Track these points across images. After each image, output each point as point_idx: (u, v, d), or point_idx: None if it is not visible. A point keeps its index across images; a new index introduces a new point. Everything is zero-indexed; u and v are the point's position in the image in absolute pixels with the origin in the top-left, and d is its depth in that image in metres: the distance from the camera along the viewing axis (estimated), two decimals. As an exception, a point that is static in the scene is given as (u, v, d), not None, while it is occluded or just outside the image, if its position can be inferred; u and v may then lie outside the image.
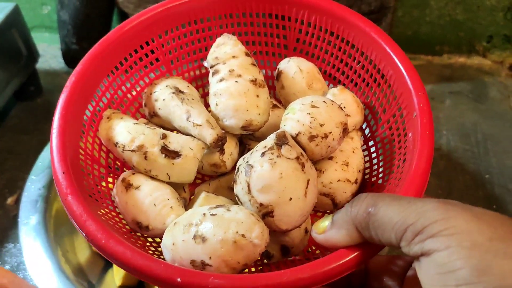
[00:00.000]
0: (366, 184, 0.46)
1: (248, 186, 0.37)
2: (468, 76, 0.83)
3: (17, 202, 0.65)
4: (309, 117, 0.41)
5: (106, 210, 0.40)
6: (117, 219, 0.41)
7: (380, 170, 0.45)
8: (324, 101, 0.42)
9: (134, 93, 0.49)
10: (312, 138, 0.40)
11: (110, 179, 0.45)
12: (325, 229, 0.34)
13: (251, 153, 0.38)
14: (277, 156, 0.37)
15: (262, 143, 0.39)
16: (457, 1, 0.79)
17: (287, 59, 0.50)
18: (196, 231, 0.35)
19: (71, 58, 0.85)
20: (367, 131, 0.49)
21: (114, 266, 0.56)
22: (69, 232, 0.58)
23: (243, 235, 0.34)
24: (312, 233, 0.35)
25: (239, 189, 0.38)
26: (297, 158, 0.38)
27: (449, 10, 0.80)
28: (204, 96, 0.54)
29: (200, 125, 0.41)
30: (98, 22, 0.82)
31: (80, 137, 0.42)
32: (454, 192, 0.67)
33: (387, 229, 0.30)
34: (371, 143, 0.48)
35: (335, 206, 0.45)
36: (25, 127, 0.78)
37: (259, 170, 0.37)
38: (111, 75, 0.47)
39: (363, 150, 0.47)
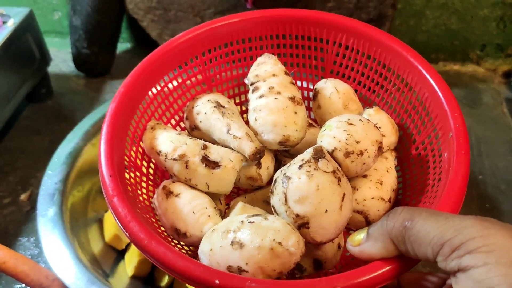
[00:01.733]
0: (400, 204, 0.46)
1: (285, 196, 0.38)
2: (462, 83, 0.88)
3: (30, 198, 0.70)
4: (346, 134, 0.42)
5: (146, 215, 0.42)
6: (155, 225, 0.43)
7: (414, 190, 0.46)
8: (360, 120, 0.44)
9: (176, 107, 0.52)
10: (348, 154, 0.42)
11: (150, 188, 0.47)
12: (360, 242, 0.35)
13: (289, 166, 0.40)
14: (314, 169, 0.38)
15: (299, 156, 0.40)
16: (452, 11, 0.84)
17: (324, 80, 0.52)
18: (234, 238, 0.36)
19: (81, 61, 0.90)
20: (401, 152, 0.50)
21: (126, 257, 0.60)
22: (84, 225, 0.61)
23: (279, 243, 0.35)
24: (348, 245, 0.36)
25: (275, 200, 0.40)
26: (334, 172, 0.39)
27: (444, 19, 0.85)
28: (243, 113, 0.56)
29: (239, 138, 0.43)
30: (109, 28, 0.87)
31: (125, 145, 0.45)
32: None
33: (423, 244, 0.31)
34: (405, 164, 0.49)
35: (367, 223, 0.46)
36: (37, 127, 0.82)
37: (297, 181, 0.38)
38: (156, 89, 0.49)
39: (397, 171, 0.48)
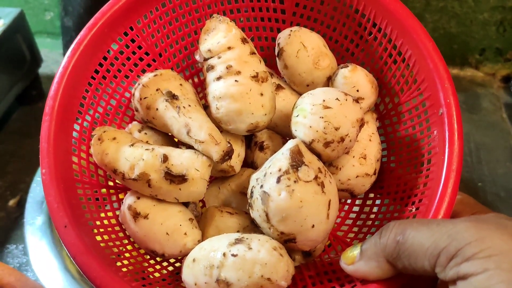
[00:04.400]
0: (384, 169, 0.43)
1: (267, 215, 0.34)
2: (461, 87, 0.84)
3: (19, 204, 0.64)
4: (323, 122, 0.36)
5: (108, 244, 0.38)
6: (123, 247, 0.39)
7: (400, 157, 0.42)
8: (337, 98, 0.37)
9: (122, 91, 0.44)
10: (327, 144, 0.37)
11: (113, 197, 0.42)
12: (354, 260, 0.33)
13: (265, 175, 0.35)
14: (295, 182, 0.33)
15: (276, 162, 0.35)
16: (451, 15, 0.79)
17: (287, 31, 0.43)
18: (218, 275, 0.33)
19: None
20: (382, 107, 0.45)
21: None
22: None
23: (268, 279, 0.32)
24: (341, 263, 0.33)
25: (256, 215, 0.35)
26: (316, 178, 0.34)
27: (443, 23, 0.81)
28: (200, 85, 0.49)
29: (203, 142, 0.37)
30: None
31: (72, 159, 0.38)
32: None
33: (419, 256, 0.28)
34: (387, 121, 0.44)
35: (353, 196, 0.43)
36: (27, 130, 0.78)
37: (277, 199, 0.33)
38: (92, 80, 0.41)
39: (379, 128, 0.44)
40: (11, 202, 0.64)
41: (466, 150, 0.71)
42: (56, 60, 0.92)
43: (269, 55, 0.47)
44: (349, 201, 0.45)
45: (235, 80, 0.38)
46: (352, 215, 0.44)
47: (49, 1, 0.93)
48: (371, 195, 0.43)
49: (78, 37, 0.39)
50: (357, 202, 0.44)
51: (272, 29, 0.47)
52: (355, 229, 0.43)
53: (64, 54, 0.79)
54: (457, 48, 0.83)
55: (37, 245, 0.52)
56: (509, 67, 0.83)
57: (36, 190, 0.56)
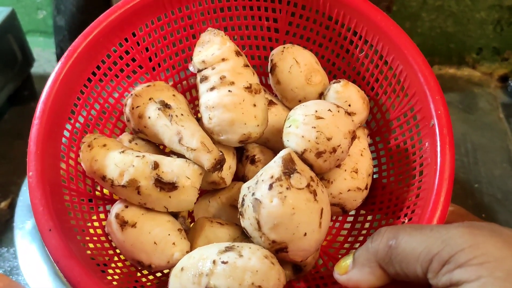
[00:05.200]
0: (376, 186, 0.43)
1: (258, 223, 0.33)
2: (458, 87, 0.82)
3: (10, 206, 0.62)
4: (315, 132, 0.36)
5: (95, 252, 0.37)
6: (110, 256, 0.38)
7: (392, 172, 0.42)
8: (329, 109, 0.37)
9: (113, 102, 0.44)
10: (319, 154, 0.37)
11: (100, 207, 0.41)
12: (347, 269, 0.32)
13: (256, 183, 0.35)
14: (287, 188, 0.33)
15: (268, 169, 0.35)
16: (448, 14, 0.79)
17: (280, 48, 0.44)
18: (207, 283, 0.32)
19: None
20: (373, 124, 0.45)
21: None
22: None
23: (259, 287, 0.31)
24: (334, 274, 0.32)
25: (247, 224, 0.35)
26: (308, 186, 0.34)
27: (440, 22, 0.80)
28: (192, 102, 0.49)
29: (194, 150, 0.37)
30: None
31: (60, 165, 0.38)
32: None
33: (411, 261, 0.27)
34: (378, 138, 0.44)
35: (345, 212, 0.42)
36: (19, 132, 0.76)
37: (269, 206, 0.33)
38: (85, 88, 0.41)
39: (370, 145, 0.44)
40: (2, 204, 0.62)
41: (463, 151, 0.70)
42: (48, 60, 0.90)
43: (261, 74, 0.48)
44: (340, 218, 0.44)
45: (229, 90, 0.38)
46: (344, 232, 0.43)
47: (41, 0, 0.92)
48: (363, 211, 0.43)
49: (73, 43, 0.39)
50: (349, 219, 0.44)
51: (265, 48, 0.48)
52: (347, 245, 0.42)
53: (56, 53, 0.80)
54: (454, 47, 0.82)
55: (27, 250, 0.51)
56: (506, 67, 0.83)
57: (27, 193, 0.54)
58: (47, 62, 0.89)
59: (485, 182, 0.67)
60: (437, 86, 0.36)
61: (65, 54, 0.38)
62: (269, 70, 0.44)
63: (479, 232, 0.26)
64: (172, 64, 0.46)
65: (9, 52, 0.73)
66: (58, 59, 0.80)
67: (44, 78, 0.86)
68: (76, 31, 0.77)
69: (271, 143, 0.44)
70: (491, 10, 0.77)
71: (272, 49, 0.47)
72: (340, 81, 0.42)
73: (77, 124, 0.40)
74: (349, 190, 0.40)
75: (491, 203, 0.64)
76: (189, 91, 0.48)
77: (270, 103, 0.45)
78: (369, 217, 0.42)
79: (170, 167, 0.36)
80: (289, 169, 0.34)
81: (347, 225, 0.44)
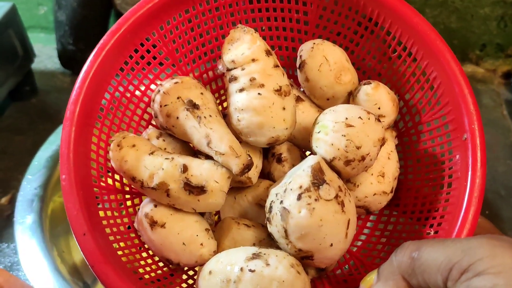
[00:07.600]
0: (401, 187, 0.43)
1: (285, 231, 0.34)
2: None
3: (11, 202, 0.63)
4: (344, 140, 0.36)
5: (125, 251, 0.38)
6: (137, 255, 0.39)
7: (418, 176, 0.42)
8: (359, 117, 0.37)
9: (139, 94, 0.44)
10: (348, 162, 0.37)
11: (129, 202, 0.42)
12: (372, 283, 0.33)
13: (285, 191, 0.35)
14: (315, 200, 0.34)
15: (297, 178, 0.35)
16: (451, 10, 0.77)
17: (310, 44, 0.43)
18: (235, 290, 0.33)
19: (67, 58, 0.83)
20: (401, 124, 0.45)
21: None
22: (64, 232, 0.56)
23: (286, 297, 0.33)
24: None
25: (274, 230, 0.36)
26: (336, 197, 0.35)
27: (443, 18, 0.79)
28: (218, 91, 0.49)
29: (223, 154, 0.37)
30: (95, 24, 0.81)
31: (91, 164, 0.39)
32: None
33: (433, 271, 0.28)
34: (406, 139, 0.44)
35: (369, 213, 0.43)
36: (20, 127, 0.76)
37: (297, 216, 0.34)
38: (113, 85, 0.41)
39: (396, 146, 0.44)
40: (3, 200, 0.64)
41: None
42: (49, 55, 0.90)
43: (289, 65, 0.48)
44: (362, 216, 0.45)
45: (258, 93, 0.38)
46: (366, 231, 0.44)
47: (42, -6, 0.91)
48: (386, 211, 0.43)
49: (101, 41, 0.39)
50: (371, 218, 0.45)
51: (293, 39, 0.47)
52: (369, 245, 0.43)
53: (57, 49, 0.80)
54: (457, 43, 0.81)
55: (27, 245, 0.52)
56: (510, 63, 0.82)
57: (27, 188, 0.56)
58: (48, 58, 0.89)
59: (488, 178, 0.66)
60: (472, 98, 0.35)
61: (93, 52, 0.38)
62: (297, 67, 0.44)
63: (498, 243, 0.27)
64: (199, 55, 0.46)
65: (10, 47, 0.73)
66: (59, 55, 0.82)
67: (44, 73, 0.88)
68: (77, 27, 0.79)
69: (298, 141, 0.44)
70: (494, 6, 0.75)
71: (301, 41, 0.46)
72: (370, 83, 0.41)
73: (106, 121, 0.40)
74: (374, 194, 0.40)
75: (494, 200, 0.64)
76: (215, 80, 0.48)
77: (298, 99, 0.44)
78: (392, 219, 0.43)
79: (199, 170, 0.37)
80: (318, 179, 0.34)
81: (370, 224, 0.45)
